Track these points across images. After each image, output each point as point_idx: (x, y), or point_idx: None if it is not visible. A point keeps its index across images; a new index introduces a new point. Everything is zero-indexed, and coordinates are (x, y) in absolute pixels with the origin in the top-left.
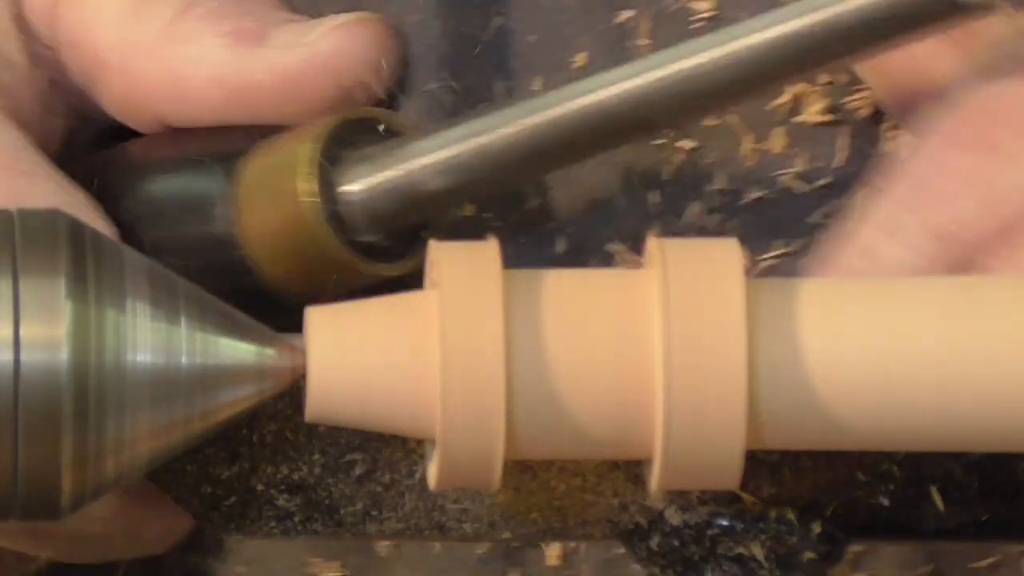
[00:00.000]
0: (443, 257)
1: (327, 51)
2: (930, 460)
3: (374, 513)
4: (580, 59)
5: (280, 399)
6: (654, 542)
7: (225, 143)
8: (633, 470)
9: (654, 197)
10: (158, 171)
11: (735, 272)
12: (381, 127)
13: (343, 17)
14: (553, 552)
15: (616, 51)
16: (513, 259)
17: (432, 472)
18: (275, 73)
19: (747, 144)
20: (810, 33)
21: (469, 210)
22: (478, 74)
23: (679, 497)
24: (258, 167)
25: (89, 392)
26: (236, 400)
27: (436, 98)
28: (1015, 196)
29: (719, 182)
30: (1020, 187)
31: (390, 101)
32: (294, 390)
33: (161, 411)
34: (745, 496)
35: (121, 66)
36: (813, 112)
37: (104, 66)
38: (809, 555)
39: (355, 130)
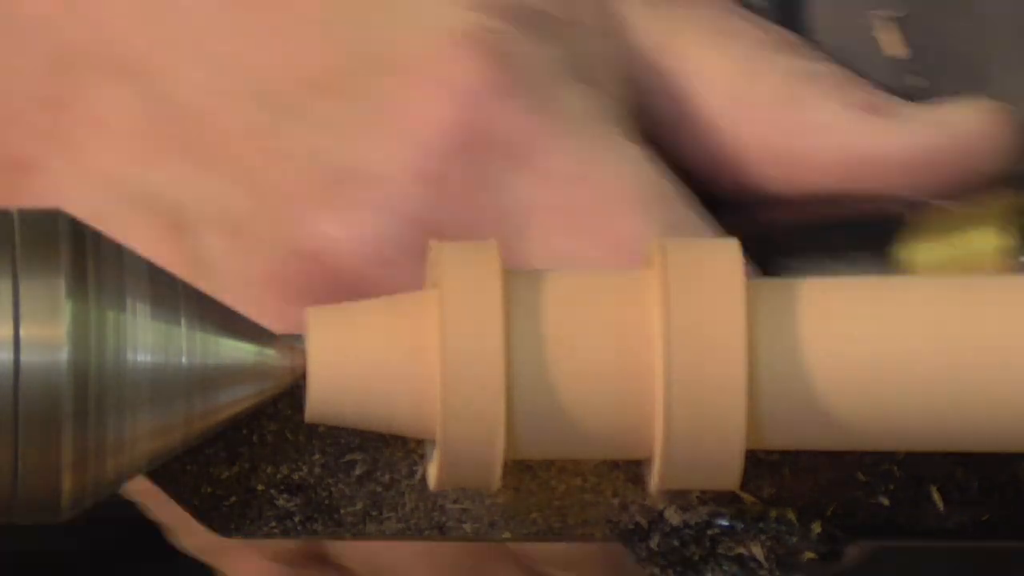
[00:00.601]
0: (443, 257)
1: (970, 132)
2: (930, 460)
3: (374, 513)
4: None
5: (280, 399)
6: (654, 542)
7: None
8: (633, 470)
9: None
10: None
11: (735, 272)
12: None
13: (973, 102)
14: None
15: None
16: None
17: (432, 472)
18: (912, 147)
19: None
20: None
21: None
22: None
23: (679, 497)
24: (930, 256)
25: (89, 392)
26: (236, 400)
27: None
28: None
29: None
30: None
31: None
32: (294, 390)
33: (161, 411)
34: (745, 496)
35: (731, 126)
36: None
37: (706, 123)
38: (809, 555)
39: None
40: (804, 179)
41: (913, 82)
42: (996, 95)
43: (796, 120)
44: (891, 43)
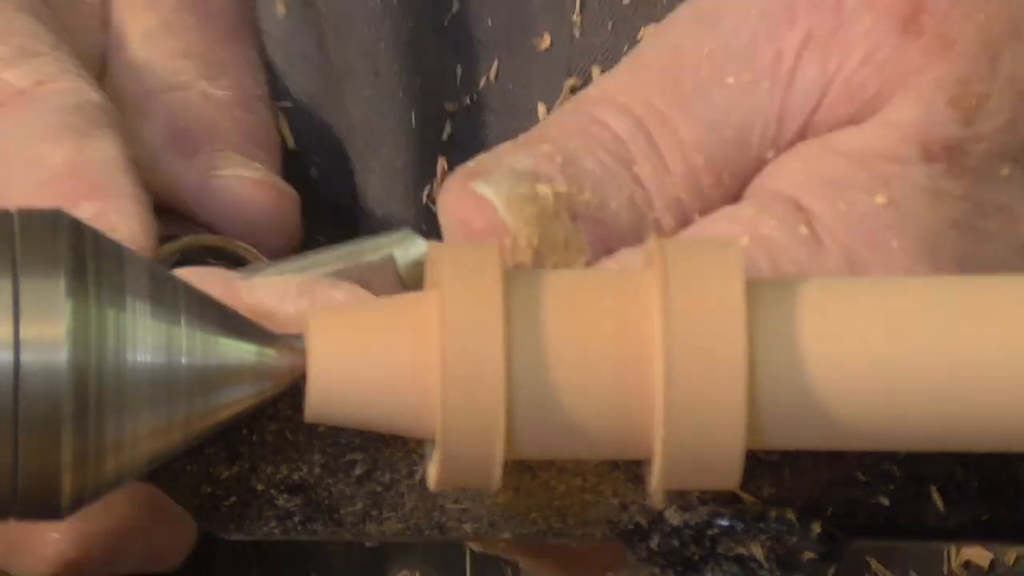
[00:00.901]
0: (443, 257)
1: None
2: (930, 460)
3: (374, 513)
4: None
5: (280, 399)
6: (654, 542)
7: None
8: (633, 470)
9: None
10: None
11: (735, 272)
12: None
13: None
14: None
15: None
16: None
17: (432, 472)
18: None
19: None
20: None
21: None
22: (438, 58)
23: (679, 497)
24: None
25: (89, 392)
26: (236, 400)
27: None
28: None
29: None
30: None
31: None
32: (294, 390)
33: (161, 411)
34: (745, 496)
35: None
36: None
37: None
38: (809, 555)
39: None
40: None
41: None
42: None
43: None
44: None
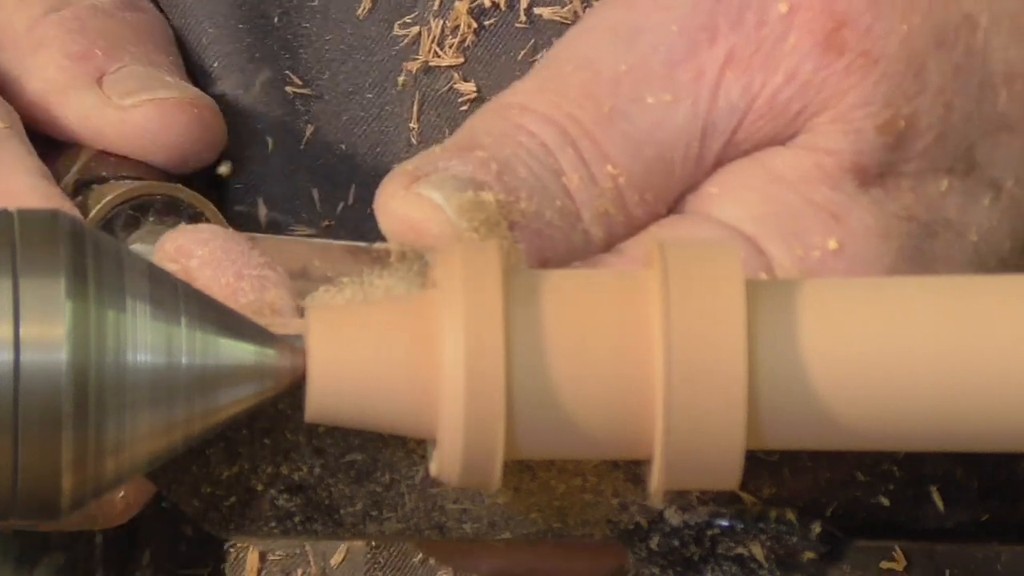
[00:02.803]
0: (443, 257)
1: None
2: (930, 460)
3: (374, 513)
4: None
5: (280, 399)
6: (654, 542)
7: None
8: (633, 470)
9: None
10: None
11: (735, 272)
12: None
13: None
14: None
15: None
16: None
17: (433, 472)
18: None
19: None
20: None
21: None
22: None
23: (679, 497)
24: None
25: (89, 392)
26: (236, 400)
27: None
28: None
29: None
30: None
31: None
32: (294, 390)
33: (161, 411)
34: (745, 496)
35: None
36: None
37: None
38: (809, 555)
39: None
40: None
41: None
42: None
43: None
44: None
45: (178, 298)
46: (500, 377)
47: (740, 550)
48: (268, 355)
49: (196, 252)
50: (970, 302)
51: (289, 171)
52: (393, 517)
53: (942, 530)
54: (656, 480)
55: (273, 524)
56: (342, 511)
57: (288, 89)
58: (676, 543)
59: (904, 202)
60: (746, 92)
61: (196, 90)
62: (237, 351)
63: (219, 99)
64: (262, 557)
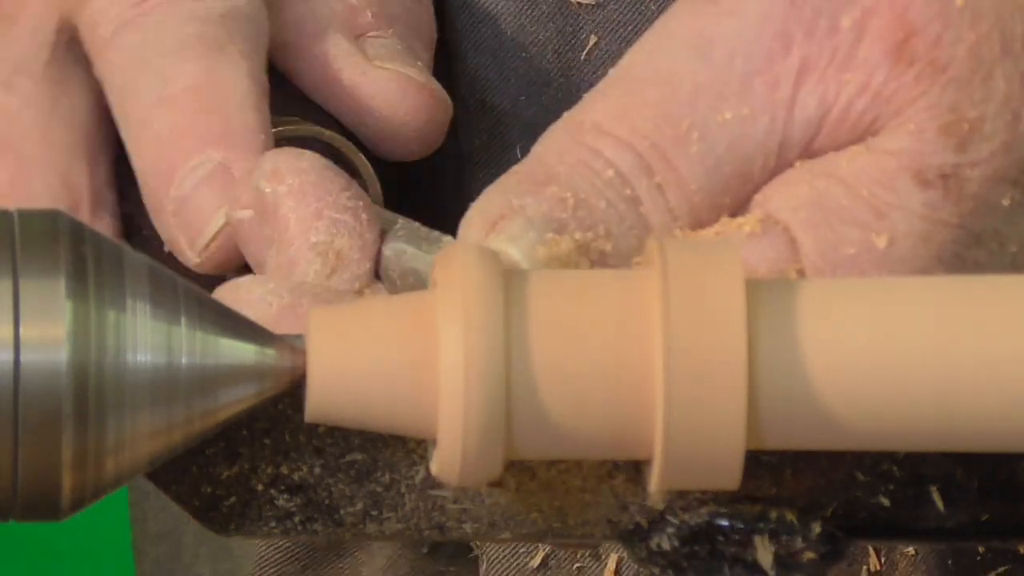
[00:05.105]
0: (443, 258)
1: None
2: (930, 460)
3: (374, 513)
4: None
5: (280, 399)
6: (654, 542)
7: None
8: (633, 470)
9: None
10: None
11: (735, 272)
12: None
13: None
14: None
15: None
16: None
17: (433, 472)
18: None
19: None
20: None
21: None
22: None
23: (679, 497)
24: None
25: (89, 392)
26: (236, 400)
27: None
28: None
29: None
30: None
31: None
32: (294, 390)
33: (161, 411)
34: (745, 496)
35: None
36: None
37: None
38: (809, 555)
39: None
40: None
41: None
42: None
43: None
44: None
45: (178, 298)
46: (500, 377)
47: (740, 550)
48: (268, 355)
49: (287, 179)
50: (971, 302)
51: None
52: (393, 517)
53: (942, 530)
54: (656, 480)
55: (273, 524)
56: (342, 511)
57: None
58: (676, 543)
59: (962, 208)
60: (821, 104)
61: (440, 87)
62: (237, 351)
63: (501, 11)
64: None
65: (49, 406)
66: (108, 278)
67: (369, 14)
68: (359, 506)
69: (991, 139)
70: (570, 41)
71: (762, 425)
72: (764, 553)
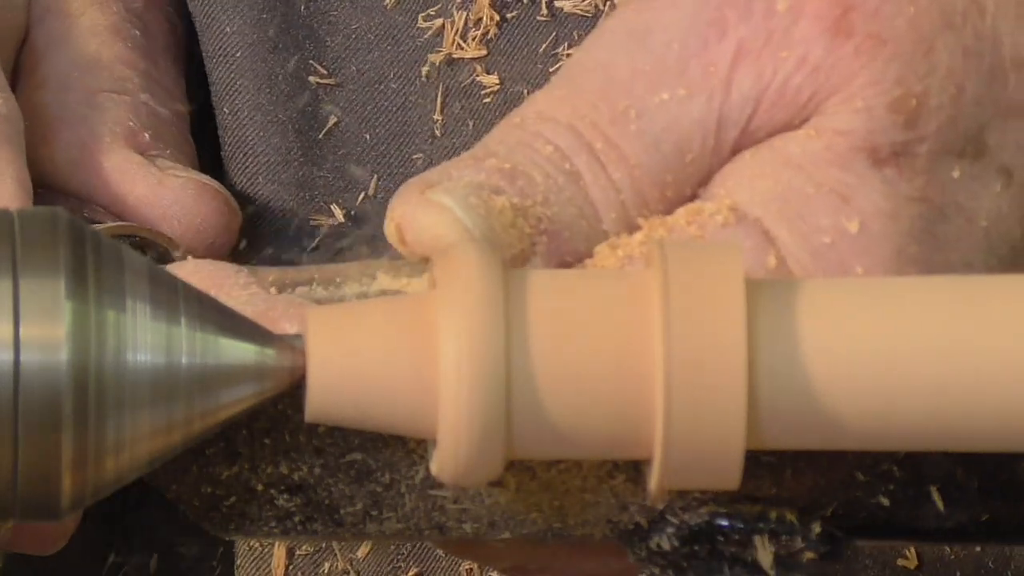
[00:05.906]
0: (443, 257)
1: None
2: (930, 460)
3: (374, 513)
4: None
5: (280, 399)
6: (654, 542)
7: None
8: (633, 470)
9: None
10: None
11: (735, 272)
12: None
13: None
14: None
15: None
16: None
17: (433, 472)
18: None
19: None
20: None
21: None
22: None
23: (679, 497)
24: None
25: (89, 392)
26: (236, 400)
27: None
28: None
29: None
30: None
31: None
32: (294, 390)
33: (161, 411)
34: (745, 496)
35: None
36: None
37: None
38: (809, 555)
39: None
40: None
41: None
42: None
43: None
44: None
45: (178, 298)
46: (500, 377)
47: (740, 550)
48: (268, 355)
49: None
50: (970, 302)
51: (311, 158)
52: (393, 517)
53: (942, 530)
54: (656, 480)
55: (273, 524)
56: (342, 511)
57: (312, 79)
58: (676, 543)
59: (917, 183)
60: (758, 82)
61: (228, 194)
62: (237, 351)
63: (240, 89)
64: (289, 553)
65: (49, 406)
66: (108, 278)
67: (147, 135)
68: (359, 506)
69: (937, 113)
70: (310, 121)
71: (762, 425)
72: (764, 553)
